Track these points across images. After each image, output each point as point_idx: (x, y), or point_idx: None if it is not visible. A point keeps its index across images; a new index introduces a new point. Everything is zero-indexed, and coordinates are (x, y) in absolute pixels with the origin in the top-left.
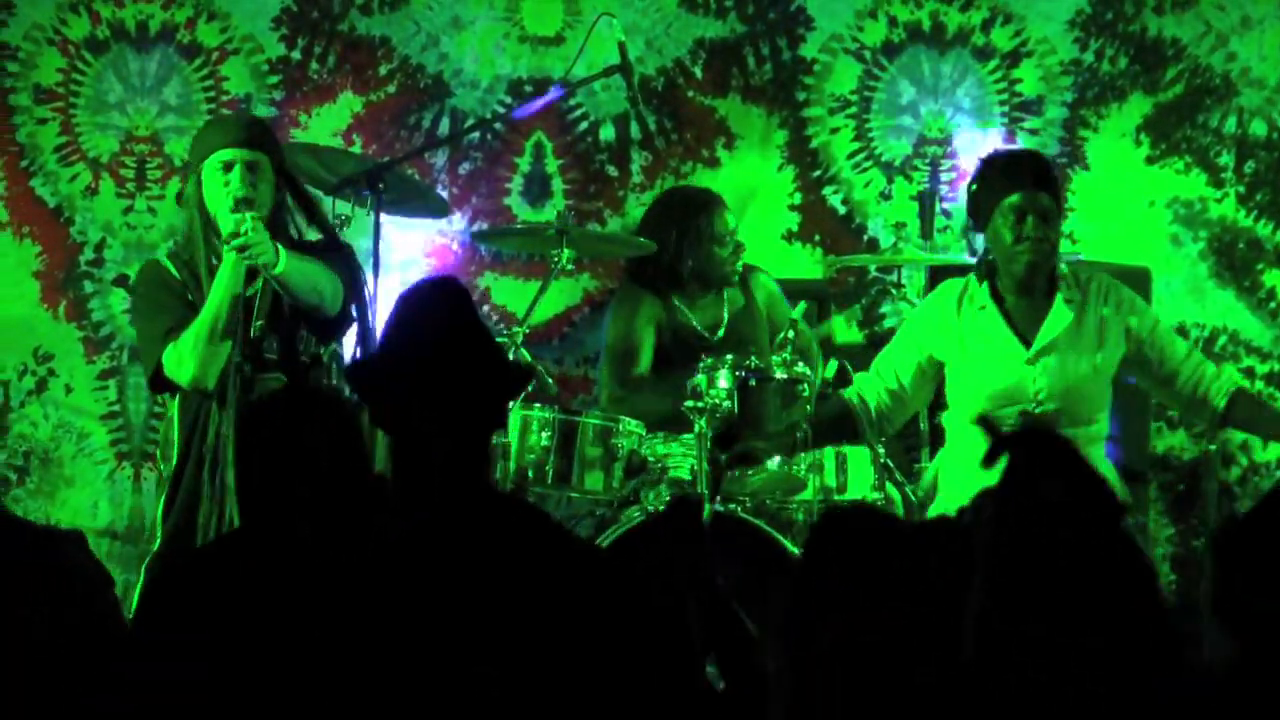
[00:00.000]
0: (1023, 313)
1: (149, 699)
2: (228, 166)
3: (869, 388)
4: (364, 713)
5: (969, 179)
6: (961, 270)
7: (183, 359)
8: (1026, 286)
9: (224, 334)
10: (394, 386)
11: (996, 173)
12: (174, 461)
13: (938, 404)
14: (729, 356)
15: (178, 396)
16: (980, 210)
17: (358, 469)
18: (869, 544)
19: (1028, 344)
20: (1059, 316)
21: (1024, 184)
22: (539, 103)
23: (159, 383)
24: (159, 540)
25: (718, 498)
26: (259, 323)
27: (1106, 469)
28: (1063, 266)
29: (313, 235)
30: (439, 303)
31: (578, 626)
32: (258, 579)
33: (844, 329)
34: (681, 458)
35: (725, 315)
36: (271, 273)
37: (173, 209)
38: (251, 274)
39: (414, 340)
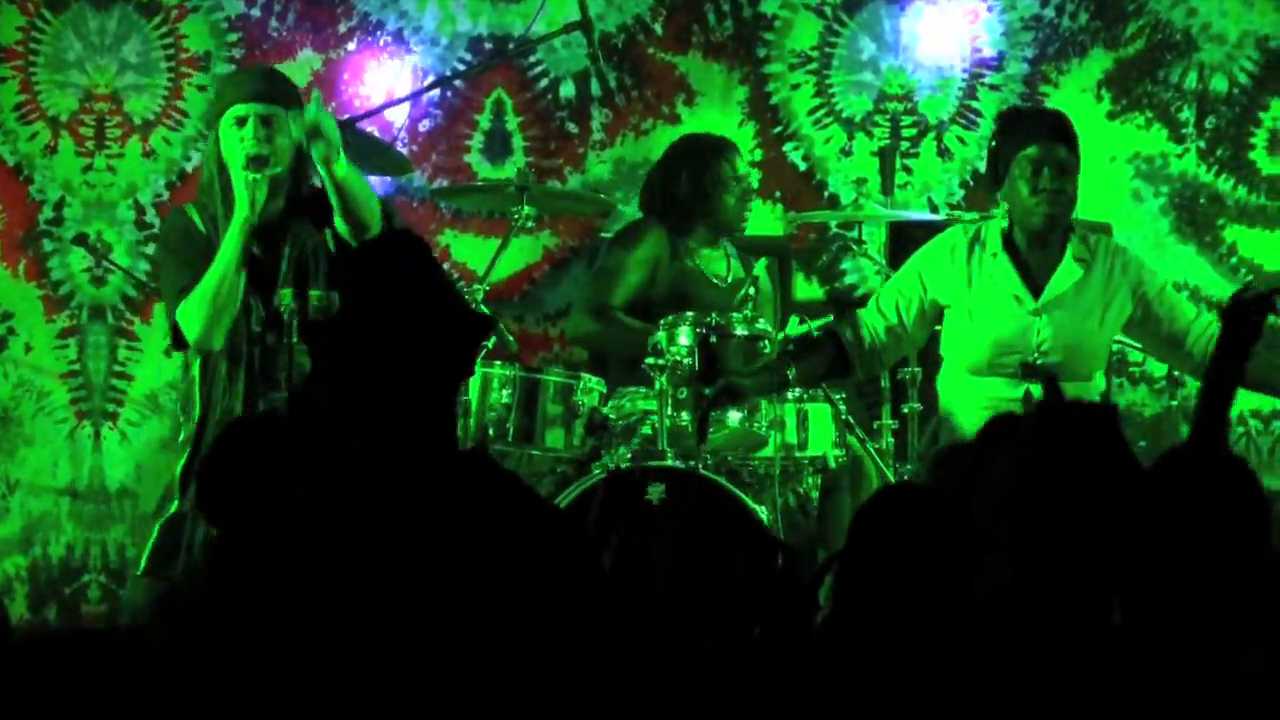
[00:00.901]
0: (1034, 264)
1: (149, 699)
2: (241, 121)
3: (865, 322)
4: (362, 684)
5: (990, 137)
6: (923, 227)
7: (190, 318)
8: (1042, 240)
9: (229, 297)
10: (355, 341)
11: (1014, 126)
12: (194, 423)
13: (900, 361)
14: (689, 313)
15: (199, 356)
16: (998, 165)
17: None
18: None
19: (1036, 295)
20: (1069, 271)
21: (1041, 136)
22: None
23: (178, 339)
24: (177, 502)
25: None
26: (287, 290)
27: None
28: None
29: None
30: (396, 257)
31: (552, 589)
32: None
33: (805, 285)
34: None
35: (729, 275)
36: (335, 175)
37: (132, 167)
38: (276, 241)
39: (373, 295)
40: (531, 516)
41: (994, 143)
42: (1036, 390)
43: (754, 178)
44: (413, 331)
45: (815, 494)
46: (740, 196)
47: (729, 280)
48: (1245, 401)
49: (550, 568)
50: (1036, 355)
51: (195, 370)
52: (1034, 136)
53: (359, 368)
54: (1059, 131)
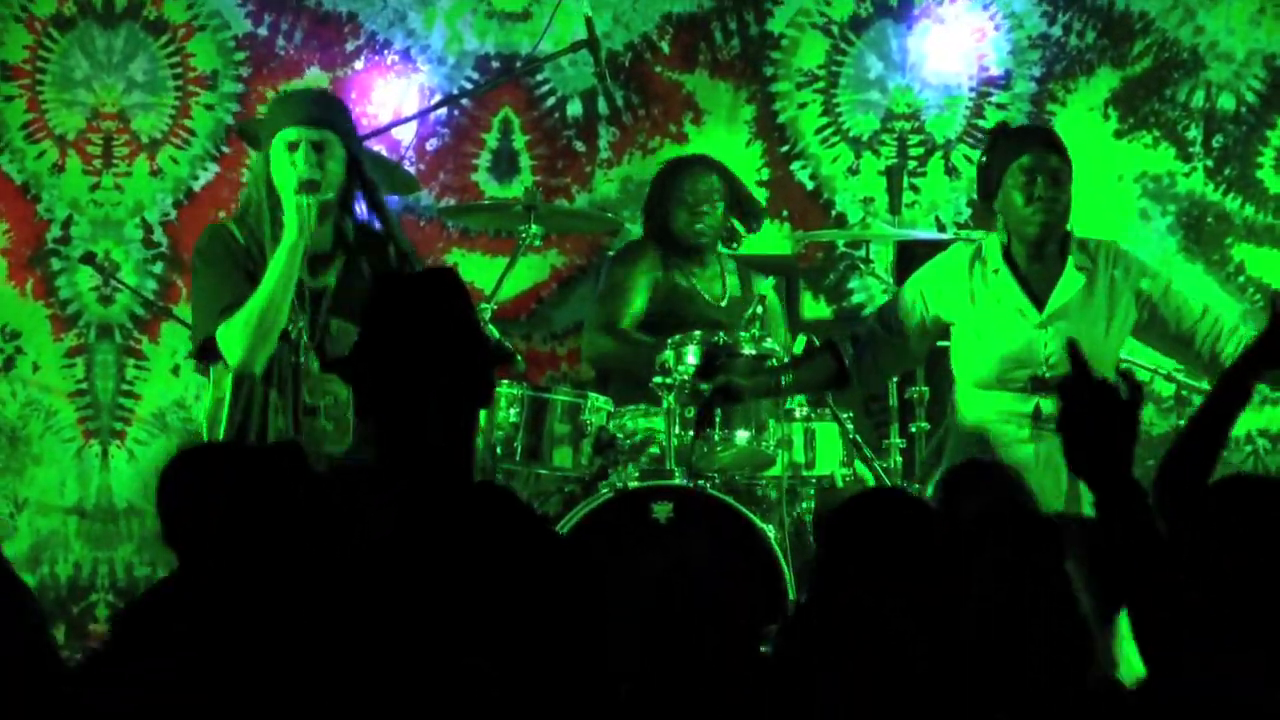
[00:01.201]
0: (1036, 277)
1: (143, 697)
2: (293, 146)
3: (864, 335)
4: (353, 702)
5: (981, 153)
6: (930, 246)
7: (233, 340)
8: (1039, 250)
9: (275, 321)
10: (377, 371)
11: (1005, 139)
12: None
13: (907, 380)
14: (697, 332)
15: (229, 374)
16: (991, 178)
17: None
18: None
19: (1040, 307)
20: (1071, 281)
21: (1033, 145)
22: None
23: (206, 354)
24: None
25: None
26: (334, 321)
27: None
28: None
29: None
30: (422, 289)
31: (553, 614)
32: (246, 583)
33: (812, 304)
34: (660, 433)
35: (726, 294)
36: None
37: (140, 186)
38: (322, 267)
39: (397, 326)
40: (528, 533)
41: (985, 158)
42: (1046, 404)
43: (761, 197)
44: (404, 354)
45: (808, 516)
46: (691, 212)
47: (726, 299)
48: (1253, 421)
49: (545, 585)
50: (1045, 369)
51: (226, 388)
52: (1026, 146)
53: (381, 397)
54: (1051, 142)
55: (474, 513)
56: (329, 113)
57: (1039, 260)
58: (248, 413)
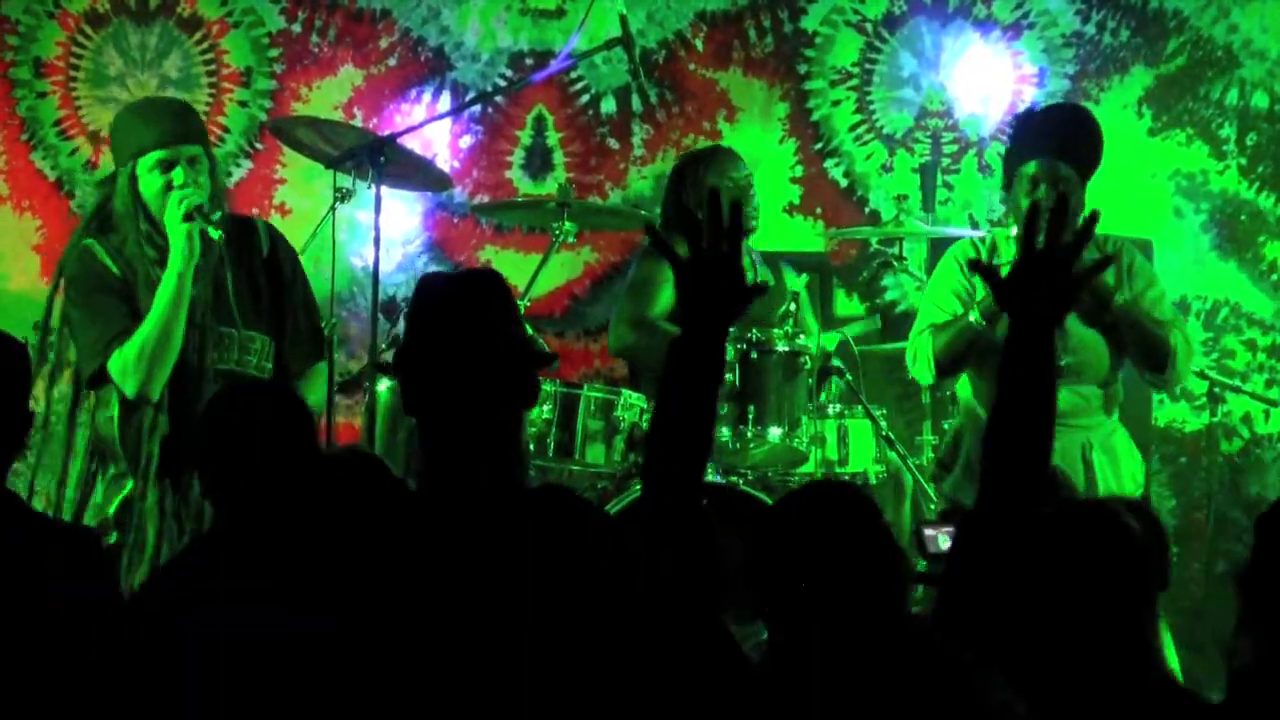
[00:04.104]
0: None
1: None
2: (167, 165)
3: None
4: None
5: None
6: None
7: (128, 371)
8: None
9: (170, 347)
10: (419, 373)
11: (1023, 134)
12: (125, 463)
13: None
14: (729, 330)
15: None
16: (1006, 173)
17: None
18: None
19: None
20: None
21: (1044, 150)
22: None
23: (96, 380)
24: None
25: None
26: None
27: (1121, 438)
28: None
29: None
30: (460, 292)
31: (606, 603)
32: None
33: (845, 302)
34: None
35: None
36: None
37: None
38: (203, 274)
39: (435, 329)
40: (588, 529)
41: (1007, 147)
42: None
43: (795, 194)
44: (442, 355)
45: None
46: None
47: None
48: None
49: (596, 573)
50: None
51: (115, 409)
52: (1037, 151)
53: (423, 399)
54: (1066, 144)
55: (528, 512)
56: (193, 127)
57: None
58: (140, 430)
